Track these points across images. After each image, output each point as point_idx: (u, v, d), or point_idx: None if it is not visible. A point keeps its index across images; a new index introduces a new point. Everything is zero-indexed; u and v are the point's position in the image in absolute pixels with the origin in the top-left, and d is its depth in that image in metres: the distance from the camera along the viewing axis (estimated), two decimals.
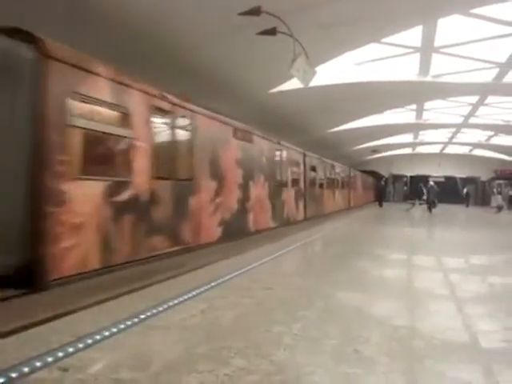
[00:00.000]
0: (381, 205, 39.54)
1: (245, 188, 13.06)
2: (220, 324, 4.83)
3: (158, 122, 8.95)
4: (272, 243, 11.79)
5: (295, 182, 18.94)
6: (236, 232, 12.13)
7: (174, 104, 9.40)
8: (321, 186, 23.95)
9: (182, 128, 9.78)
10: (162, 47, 12.78)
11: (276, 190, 16.11)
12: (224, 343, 4.18)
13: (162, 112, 8.97)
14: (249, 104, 19.45)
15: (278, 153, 16.70)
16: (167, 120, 9.22)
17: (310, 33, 12.60)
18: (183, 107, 9.79)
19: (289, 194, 17.84)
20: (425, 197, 34.60)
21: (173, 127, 9.41)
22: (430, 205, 32.22)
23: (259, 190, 14.34)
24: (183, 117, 9.79)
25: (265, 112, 20.82)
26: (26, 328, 4.38)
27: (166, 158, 9.14)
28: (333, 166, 27.50)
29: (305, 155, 20.65)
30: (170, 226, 8.98)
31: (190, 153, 10.09)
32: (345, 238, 14.80)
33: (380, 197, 41.75)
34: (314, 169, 22.38)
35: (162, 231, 8.69)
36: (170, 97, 9.22)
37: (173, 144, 9.44)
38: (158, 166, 8.61)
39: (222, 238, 11.25)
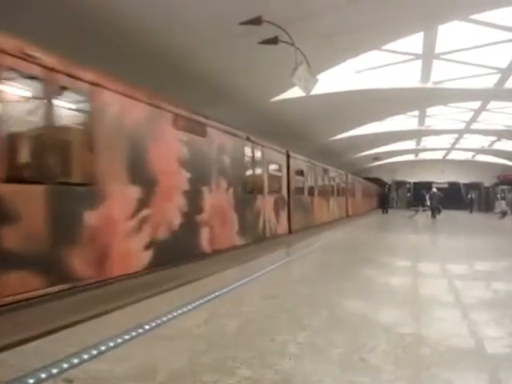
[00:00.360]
0: (386, 211, 39.41)
1: (194, 196, 10.12)
2: (224, 333, 4.81)
3: (16, 93, 6.21)
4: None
5: (275, 188, 16.04)
6: (179, 255, 9.15)
7: (52, 69, 6.34)
8: (311, 193, 21.33)
9: (69, 106, 6.94)
10: (161, 52, 12.77)
11: (246, 198, 13.17)
12: (228, 353, 4.16)
13: (23, 78, 6.08)
14: (250, 112, 19.47)
15: (248, 152, 13.66)
16: (37, 91, 6.28)
17: (312, 41, 12.64)
18: (71, 75, 6.72)
19: (265, 203, 14.77)
20: (428, 203, 34.81)
21: (49, 104, 6.34)
22: (434, 211, 32.43)
23: (218, 199, 11.38)
24: (72, 89, 6.82)
25: (266, 120, 20.81)
26: None
27: (34, 152, 6.39)
28: (326, 171, 24.93)
29: (289, 156, 17.76)
30: (42, 256, 6.05)
31: (88, 145, 7.05)
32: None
33: (384, 204, 41.44)
34: (301, 173, 19.69)
35: (25, 264, 5.74)
36: (43, 57, 6.19)
37: (49, 130, 6.36)
38: (11, 162, 5.88)
39: (152, 265, 8.27)
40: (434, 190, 33.77)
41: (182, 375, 3.70)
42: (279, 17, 10.96)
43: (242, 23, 11.11)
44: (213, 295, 6.40)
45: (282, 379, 3.65)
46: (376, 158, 45.08)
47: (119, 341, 4.38)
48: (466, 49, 17.64)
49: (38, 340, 4.41)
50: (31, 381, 3.43)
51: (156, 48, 12.17)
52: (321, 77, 13.92)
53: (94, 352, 4.05)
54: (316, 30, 12.60)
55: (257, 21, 10.95)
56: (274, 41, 11.65)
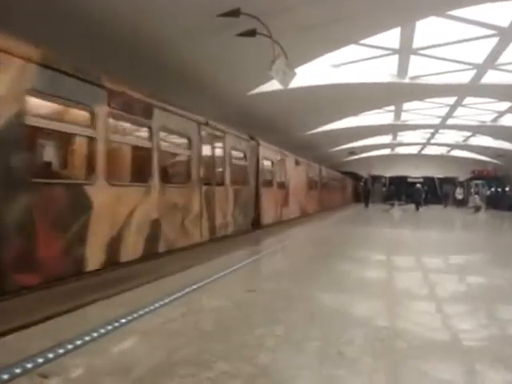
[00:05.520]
0: (367, 205, 39.78)
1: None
2: (201, 328, 4.78)
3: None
4: None
5: (239, 179, 14.07)
6: None
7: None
8: (281, 185, 19.57)
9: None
10: (139, 47, 12.61)
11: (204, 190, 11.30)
12: (205, 347, 4.14)
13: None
14: (227, 105, 19.36)
15: (209, 139, 11.71)
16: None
17: (290, 34, 12.59)
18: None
19: (227, 195, 13.03)
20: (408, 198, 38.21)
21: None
22: (417, 205, 35.90)
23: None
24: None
25: (244, 114, 20.71)
26: None
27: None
28: (298, 162, 23.04)
29: (259, 145, 16.09)
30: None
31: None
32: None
33: (366, 198, 41.76)
34: (271, 164, 18.25)
35: None
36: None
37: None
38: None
39: None
40: (418, 185, 36.74)
41: (159, 369, 3.67)
42: (258, 9, 10.89)
43: (220, 15, 11.02)
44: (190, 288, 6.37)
45: (259, 373, 3.64)
46: (352, 152, 45.21)
47: (95, 335, 4.33)
48: (442, 44, 17.76)
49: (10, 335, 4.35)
50: (5, 376, 3.37)
51: (129, 35, 11.97)
52: (298, 70, 13.87)
53: (70, 347, 4.00)
54: (294, 23, 12.55)
55: (235, 13, 10.87)
56: (251, 33, 11.55)
